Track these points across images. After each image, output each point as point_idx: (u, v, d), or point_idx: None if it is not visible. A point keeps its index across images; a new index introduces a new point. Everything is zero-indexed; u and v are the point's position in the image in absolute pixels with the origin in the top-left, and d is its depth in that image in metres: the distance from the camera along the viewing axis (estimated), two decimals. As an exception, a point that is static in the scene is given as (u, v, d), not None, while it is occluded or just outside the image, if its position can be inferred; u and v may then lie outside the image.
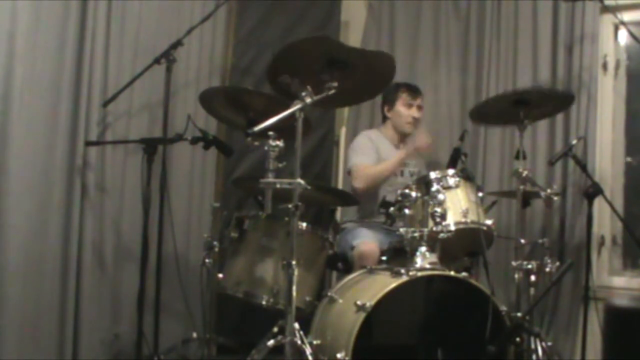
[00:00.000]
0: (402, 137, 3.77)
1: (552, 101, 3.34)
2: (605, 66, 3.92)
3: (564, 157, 3.44)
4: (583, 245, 3.50)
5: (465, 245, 3.16)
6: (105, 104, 3.28)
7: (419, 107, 3.75)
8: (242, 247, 3.13)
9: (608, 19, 3.89)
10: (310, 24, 4.29)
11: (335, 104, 3.60)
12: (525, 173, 3.18)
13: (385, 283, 2.78)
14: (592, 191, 3.35)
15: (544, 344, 2.97)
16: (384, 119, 3.82)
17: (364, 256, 3.26)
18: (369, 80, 2.96)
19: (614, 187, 3.90)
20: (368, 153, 3.65)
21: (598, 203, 3.47)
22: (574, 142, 3.43)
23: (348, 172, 3.68)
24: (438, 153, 4.09)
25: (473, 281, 2.88)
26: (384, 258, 3.30)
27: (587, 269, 3.35)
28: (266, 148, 2.66)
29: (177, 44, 3.33)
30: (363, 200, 3.49)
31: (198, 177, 3.85)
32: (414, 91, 3.74)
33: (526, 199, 3.26)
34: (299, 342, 2.64)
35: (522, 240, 3.16)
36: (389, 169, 3.56)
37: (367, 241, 3.37)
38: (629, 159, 3.94)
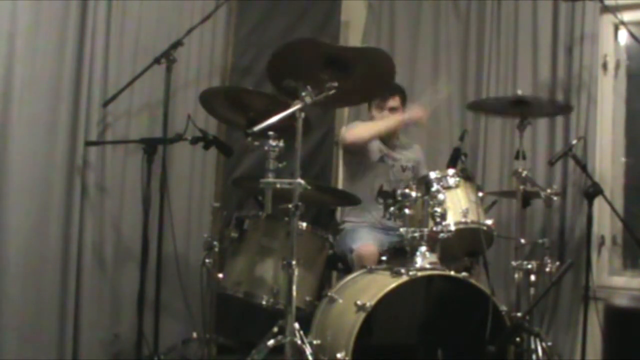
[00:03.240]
0: (386, 138, 3.73)
1: (551, 107, 3.35)
2: (605, 66, 3.92)
3: (564, 157, 3.44)
4: (583, 245, 3.50)
5: (465, 245, 3.16)
6: (105, 104, 3.29)
7: (392, 109, 3.67)
8: (242, 247, 3.13)
9: (608, 19, 3.89)
10: (310, 24, 4.28)
11: (336, 104, 3.62)
12: (525, 173, 3.18)
13: (385, 283, 2.78)
14: (592, 191, 3.35)
15: (544, 344, 2.97)
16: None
17: (363, 259, 3.25)
18: (369, 79, 2.95)
19: (614, 187, 3.89)
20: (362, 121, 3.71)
21: (598, 203, 3.47)
22: (574, 142, 3.43)
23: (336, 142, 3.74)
24: (438, 153, 4.10)
25: (473, 281, 2.88)
26: (383, 258, 3.29)
27: (587, 269, 3.35)
28: (266, 148, 2.67)
29: (177, 44, 3.33)
30: (359, 194, 3.44)
31: (198, 177, 3.85)
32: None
33: (526, 199, 3.26)
34: (299, 342, 2.64)
35: (522, 240, 3.17)
36: (381, 127, 3.61)
37: (366, 244, 3.36)
38: (624, 159, 3.94)
